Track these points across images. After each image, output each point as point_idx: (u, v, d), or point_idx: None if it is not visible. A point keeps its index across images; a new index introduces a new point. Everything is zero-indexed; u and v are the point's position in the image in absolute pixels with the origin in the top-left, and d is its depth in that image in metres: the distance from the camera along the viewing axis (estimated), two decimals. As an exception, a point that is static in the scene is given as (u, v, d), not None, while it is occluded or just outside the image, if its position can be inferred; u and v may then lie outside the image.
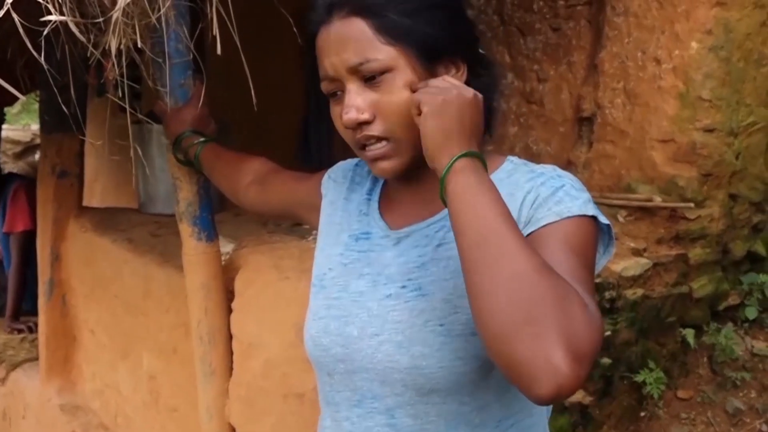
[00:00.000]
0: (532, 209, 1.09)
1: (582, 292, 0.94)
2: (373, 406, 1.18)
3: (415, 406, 1.14)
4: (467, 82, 1.16)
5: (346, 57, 1.11)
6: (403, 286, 1.16)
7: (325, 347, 1.22)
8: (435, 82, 1.09)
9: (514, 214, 1.08)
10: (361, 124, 1.12)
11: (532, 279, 0.91)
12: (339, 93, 1.15)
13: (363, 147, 1.15)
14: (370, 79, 1.11)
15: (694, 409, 2.89)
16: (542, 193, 1.10)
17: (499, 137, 3.71)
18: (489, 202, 0.98)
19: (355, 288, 1.21)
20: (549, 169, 1.15)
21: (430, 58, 1.13)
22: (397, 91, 1.11)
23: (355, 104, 1.11)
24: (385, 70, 1.11)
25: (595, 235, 1.10)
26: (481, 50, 1.22)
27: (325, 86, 1.16)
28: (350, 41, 1.11)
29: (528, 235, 1.06)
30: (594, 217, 1.09)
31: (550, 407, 1.31)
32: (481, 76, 1.20)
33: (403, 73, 1.11)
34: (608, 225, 1.14)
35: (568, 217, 1.06)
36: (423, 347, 1.11)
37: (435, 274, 1.14)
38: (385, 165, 1.15)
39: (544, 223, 1.06)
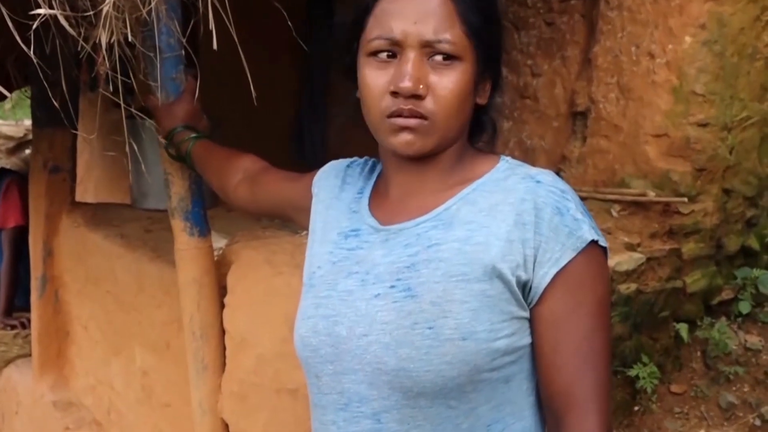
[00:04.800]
0: (538, 233, 1.10)
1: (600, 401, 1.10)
2: (359, 410, 1.16)
3: (402, 410, 1.12)
4: (488, 100, 1.21)
5: (425, 30, 1.11)
6: (392, 286, 1.14)
7: (314, 347, 1.20)
8: None
9: (509, 216, 1.11)
10: (411, 97, 1.11)
11: None
12: (388, 55, 1.13)
13: (396, 115, 1.13)
14: (436, 58, 1.12)
15: (687, 404, 2.89)
16: (545, 213, 1.10)
17: (493, 132, 3.70)
18: None
19: (344, 287, 1.20)
20: (547, 178, 1.15)
21: (484, 67, 1.16)
22: (456, 81, 1.12)
23: (418, 75, 1.11)
24: (454, 56, 1.12)
25: (604, 263, 1.15)
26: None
27: (377, 44, 1.14)
28: (434, 15, 1.11)
29: (553, 277, 1.10)
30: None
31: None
32: (495, 96, 1.24)
33: (466, 66, 1.13)
34: (605, 248, 1.16)
35: (581, 251, 1.10)
36: (410, 350, 1.09)
37: (425, 276, 1.12)
38: (412, 139, 1.13)
39: (564, 263, 1.09)
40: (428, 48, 1.11)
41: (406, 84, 1.10)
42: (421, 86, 1.10)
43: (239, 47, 1.65)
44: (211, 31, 1.60)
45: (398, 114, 1.12)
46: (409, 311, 1.11)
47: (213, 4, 1.58)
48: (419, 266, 1.14)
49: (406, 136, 1.13)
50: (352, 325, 1.16)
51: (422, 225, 1.17)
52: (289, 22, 1.90)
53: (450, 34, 1.11)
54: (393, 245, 1.18)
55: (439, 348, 1.08)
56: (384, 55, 1.13)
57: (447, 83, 1.11)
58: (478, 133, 1.27)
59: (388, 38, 1.12)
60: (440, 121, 1.13)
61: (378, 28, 1.14)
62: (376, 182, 1.31)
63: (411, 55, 1.11)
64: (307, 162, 4.69)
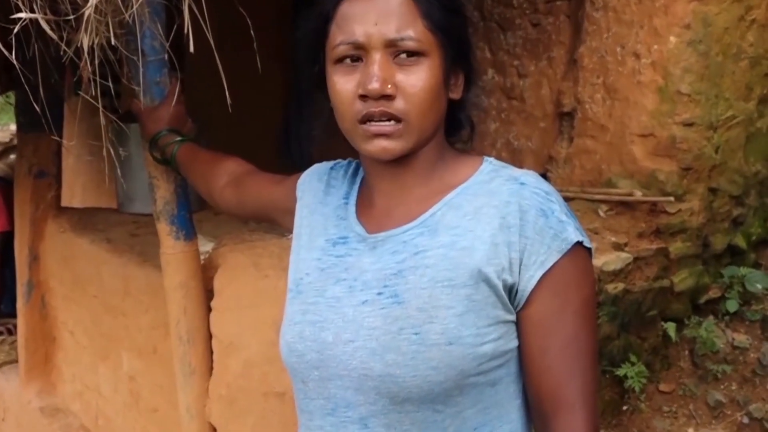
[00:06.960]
0: (523, 236, 1.10)
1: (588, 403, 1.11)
2: (346, 414, 1.16)
3: (389, 415, 1.12)
4: (463, 93, 1.21)
5: (387, 29, 1.10)
6: (379, 293, 1.14)
7: (300, 353, 1.19)
8: None
9: (494, 220, 1.11)
10: (381, 98, 1.10)
11: None
12: (354, 60, 1.13)
13: (367, 120, 1.12)
14: (401, 57, 1.11)
15: (675, 402, 2.90)
16: (530, 215, 1.10)
17: (481, 133, 3.71)
18: None
19: (332, 293, 1.19)
20: (531, 179, 1.15)
21: (453, 61, 1.16)
22: (424, 77, 1.11)
23: (384, 76, 1.10)
24: (420, 53, 1.11)
25: (590, 264, 1.16)
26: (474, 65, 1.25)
27: (341, 50, 1.13)
28: (395, 15, 1.11)
29: (539, 280, 1.10)
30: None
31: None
32: (470, 90, 1.23)
33: (433, 62, 1.12)
34: (590, 249, 1.17)
35: (567, 253, 1.10)
36: (397, 355, 1.09)
37: (412, 282, 1.12)
38: (388, 145, 1.13)
39: (550, 265, 1.09)
40: (392, 47, 1.11)
41: (374, 85, 1.09)
42: (389, 86, 1.10)
43: (214, 50, 1.64)
44: (194, 34, 1.58)
45: (369, 118, 1.12)
46: (395, 317, 1.11)
47: (190, 7, 1.56)
48: (406, 273, 1.14)
49: (381, 143, 1.13)
50: (338, 331, 1.15)
51: (408, 232, 1.17)
52: (276, 24, 1.90)
53: (413, 31, 1.10)
54: (381, 253, 1.18)
55: (426, 353, 1.08)
56: (349, 60, 1.13)
57: (415, 80, 1.11)
58: (455, 130, 1.27)
59: (351, 42, 1.12)
60: (414, 119, 1.12)
61: (341, 34, 1.13)
62: (360, 187, 1.30)
63: (376, 57, 1.10)
64: (294, 164, 4.68)
